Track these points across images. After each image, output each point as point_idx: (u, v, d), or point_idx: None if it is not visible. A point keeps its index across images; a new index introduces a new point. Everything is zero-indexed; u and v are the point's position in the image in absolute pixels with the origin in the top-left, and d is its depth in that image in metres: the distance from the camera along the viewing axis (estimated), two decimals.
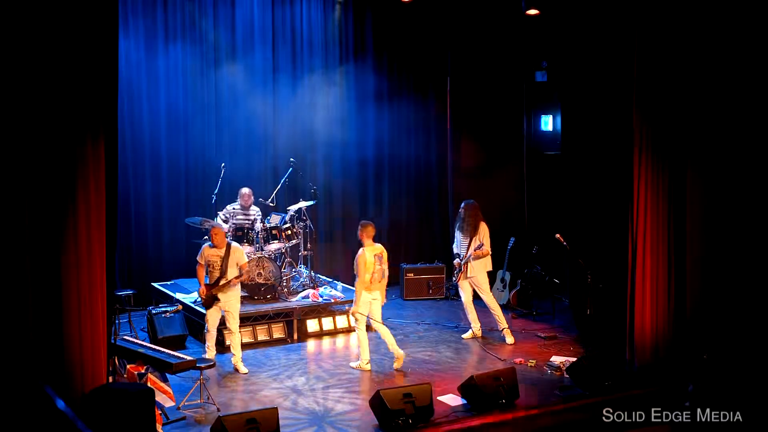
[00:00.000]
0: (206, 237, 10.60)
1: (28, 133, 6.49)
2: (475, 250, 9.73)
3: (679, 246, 9.01)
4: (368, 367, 8.97)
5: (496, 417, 7.60)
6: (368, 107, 12.73)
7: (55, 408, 5.66)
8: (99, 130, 6.76)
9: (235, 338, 8.89)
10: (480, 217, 9.90)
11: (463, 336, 10.16)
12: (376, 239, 9.01)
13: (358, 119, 12.70)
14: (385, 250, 9.11)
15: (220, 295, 8.78)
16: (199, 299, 9.12)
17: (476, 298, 10.06)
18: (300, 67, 12.26)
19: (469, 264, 9.81)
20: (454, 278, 10.11)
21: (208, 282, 8.85)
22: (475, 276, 9.86)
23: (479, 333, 10.08)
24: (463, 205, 10.02)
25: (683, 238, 9.02)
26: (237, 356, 8.84)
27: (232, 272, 8.80)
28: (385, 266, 8.99)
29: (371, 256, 8.86)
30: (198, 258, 8.93)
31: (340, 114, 12.58)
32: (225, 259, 8.80)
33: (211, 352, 8.85)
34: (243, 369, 8.78)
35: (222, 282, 8.76)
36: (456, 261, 10.03)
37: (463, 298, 10.05)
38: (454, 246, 10.15)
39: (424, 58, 12.91)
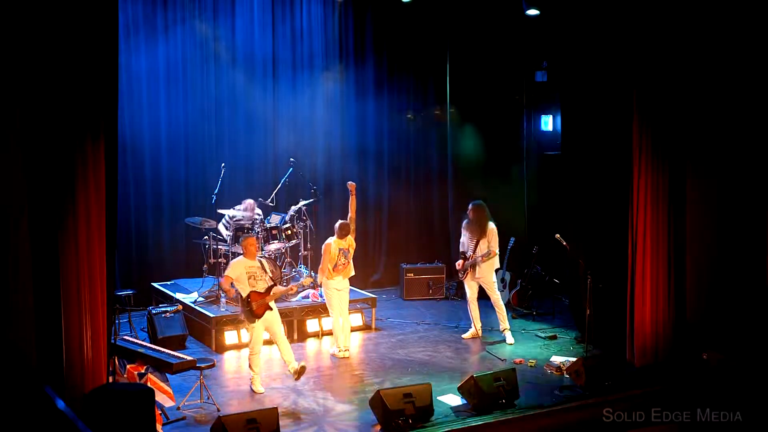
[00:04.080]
0: (206, 237, 10.63)
1: (28, 134, 6.49)
2: (482, 257, 9.73)
3: (679, 246, 9.02)
4: (344, 355, 9.30)
5: (496, 417, 7.59)
6: (368, 107, 12.73)
7: (55, 408, 5.66)
8: (99, 130, 6.76)
9: (285, 343, 8.47)
10: (487, 217, 9.88)
11: (463, 336, 10.16)
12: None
13: (358, 119, 12.69)
14: (353, 245, 9.43)
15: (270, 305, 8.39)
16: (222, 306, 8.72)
17: (479, 297, 10.06)
18: (300, 66, 12.24)
19: (477, 265, 9.81)
20: (461, 275, 10.00)
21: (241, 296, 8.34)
22: (484, 276, 9.85)
23: (480, 333, 10.08)
24: (471, 206, 9.95)
25: (683, 238, 9.02)
26: (291, 364, 8.36)
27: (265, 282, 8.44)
28: (350, 261, 9.38)
29: (336, 249, 9.27)
30: (229, 272, 8.37)
31: (340, 114, 12.58)
32: (263, 268, 8.47)
33: (257, 384, 8.30)
34: (296, 365, 8.34)
35: (275, 291, 8.39)
36: (459, 262, 9.97)
37: (468, 296, 10.02)
38: (461, 245, 10.08)
39: (424, 58, 12.91)
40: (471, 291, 9.98)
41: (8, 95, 6.40)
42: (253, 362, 8.33)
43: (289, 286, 8.70)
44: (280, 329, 8.50)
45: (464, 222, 10.07)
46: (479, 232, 9.80)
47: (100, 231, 6.79)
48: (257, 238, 10.41)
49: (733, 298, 9.05)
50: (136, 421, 6.47)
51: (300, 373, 8.29)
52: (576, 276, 9.79)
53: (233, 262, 8.58)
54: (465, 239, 9.99)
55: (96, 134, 6.74)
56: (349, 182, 9.67)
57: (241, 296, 8.34)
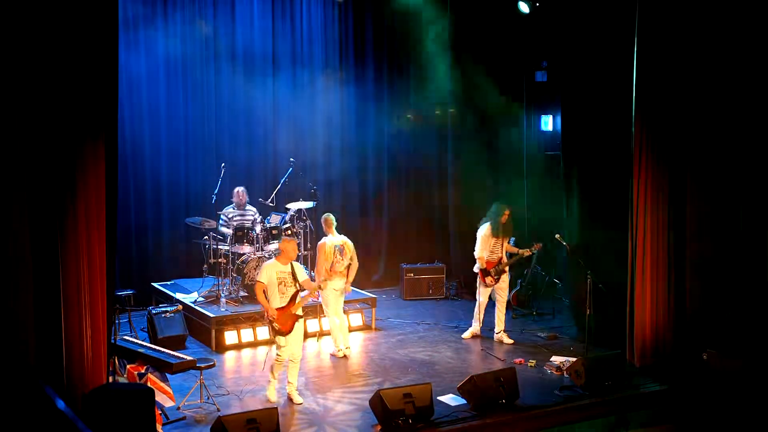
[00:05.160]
0: (206, 237, 10.62)
1: (29, 134, 6.49)
2: (525, 249, 9.88)
3: (678, 246, 9.02)
4: (345, 353, 9.27)
5: (496, 417, 7.59)
6: (368, 107, 12.73)
7: (55, 408, 5.66)
8: (99, 130, 6.75)
9: (297, 367, 8.08)
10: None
11: (463, 336, 10.16)
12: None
13: (358, 119, 12.71)
14: (349, 244, 9.31)
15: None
16: (267, 323, 8.03)
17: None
18: (300, 66, 12.25)
19: (509, 265, 9.91)
20: (495, 280, 9.79)
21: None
22: (505, 279, 9.96)
23: (479, 333, 10.08)
24: (506, 207, 9.80)
25: (683, 238, 9.02)
26: (293, 385, 8.01)
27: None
28: (347, 260, 9.22)
29: (331, 247, 9.15)
30: (261, 277, 7.89)
31: (339, 114, 12.59)
32: (293, 273, 7.99)
33: (272, 391, 7.98)
34: (298, 399, 7.94)
35: (300, 299, 7.96)
36: (489, 276, 9.77)
37: (481, 299, 9.95)
38: (480, 251, 9.79)
39: (424, 58, 12.90)
40: (485, 295, 9.95)
41: (8, 95, 6.39)
42: (276, 368, 7.99)
43: (313, 287, 8.25)
44: (299, 351, 8.09)
45: (487, 227, 9.80)
46: (506, 233, 9.83)
47: (100, 231, 6.79)
48: (253, 237, 10.41)
49: (734, 298, 9.05)
50: (136, 421, 6.46)
51: (294, 403, 7.88)
52: (576, 276, 9.80)
53: (265, 265, 8.02)
54: (489, 245, 9.76)
55: (96, 134, 6.73)
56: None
57: (268, 313, 7.86)
